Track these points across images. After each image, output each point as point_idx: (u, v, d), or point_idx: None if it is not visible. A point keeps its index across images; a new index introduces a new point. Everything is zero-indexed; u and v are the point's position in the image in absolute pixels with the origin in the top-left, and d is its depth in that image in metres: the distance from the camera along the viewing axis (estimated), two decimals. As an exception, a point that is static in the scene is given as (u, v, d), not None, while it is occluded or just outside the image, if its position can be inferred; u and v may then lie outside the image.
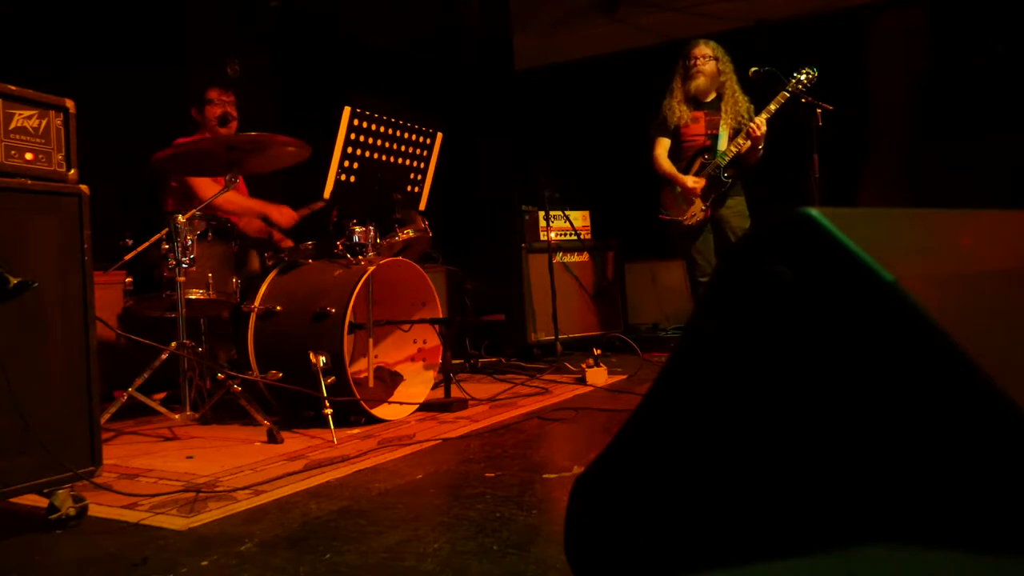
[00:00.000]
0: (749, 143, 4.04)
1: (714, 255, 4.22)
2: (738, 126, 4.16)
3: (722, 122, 4.18)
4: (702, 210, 4.15)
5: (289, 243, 3.62)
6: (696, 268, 4.24)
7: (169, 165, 3.18)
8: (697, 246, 4.22)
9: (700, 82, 4.19)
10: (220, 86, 3.77)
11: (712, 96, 4.26)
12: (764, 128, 4.00)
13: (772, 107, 3.99)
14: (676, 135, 4.27)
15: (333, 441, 2.56)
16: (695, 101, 4.25)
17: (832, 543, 0.65)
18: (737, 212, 4.18)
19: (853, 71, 4.99)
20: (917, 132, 5.01)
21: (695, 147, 4.23)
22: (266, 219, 3.71)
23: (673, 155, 4.28)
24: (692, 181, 4.14)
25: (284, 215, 3.69)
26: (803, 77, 3.92)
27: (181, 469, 2.31)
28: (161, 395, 3.11)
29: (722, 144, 4.15)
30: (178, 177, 3.56)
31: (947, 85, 4.83)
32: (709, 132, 4.21)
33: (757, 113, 4.08)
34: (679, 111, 4.22)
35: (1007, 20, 4.63)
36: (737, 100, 4.20)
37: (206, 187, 3.51)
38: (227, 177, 2.91)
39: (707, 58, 4.20)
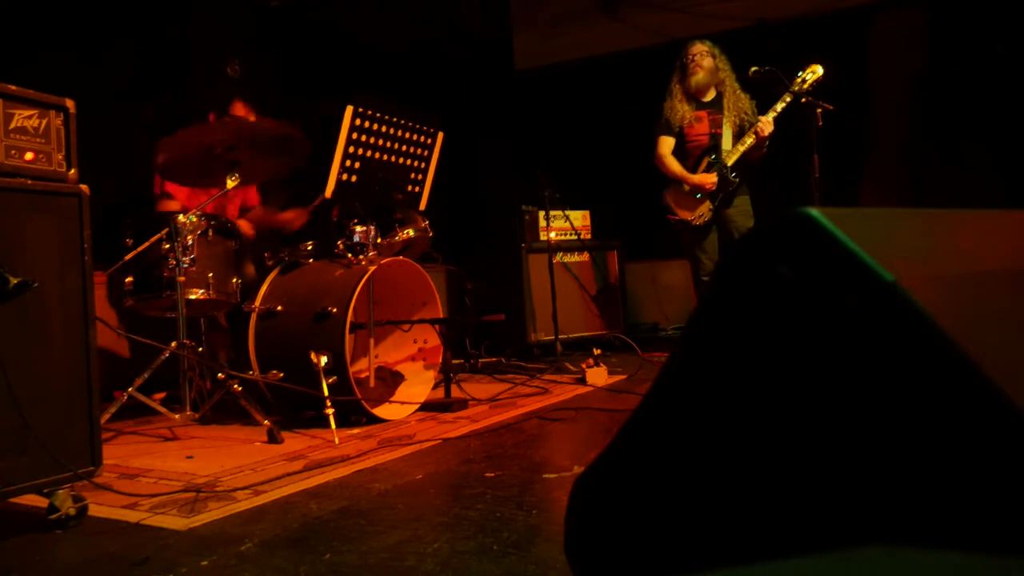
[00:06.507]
0: (754, 142, 4.04)
1: (719, 254, 4.21)
2: (742, 124, 4.15)
3: (725, 121, 4.16)
4: (710, 209, 4.14)
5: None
6: (700, 267, 4.22)
7: (169, 163, 3.15)
8: (703, 245, 4.19)
9: (700, 77, 4.18)
10: (248, 101, 3.63)
11: (712, 95, 4.25)
12: (771, 127, 3.99)
13: (779, 106, 3.97)
14: (680, 136, 4.25)
15: (335, 441, 2.56)
16: (696, 100, 4.24)
17: (832, 543, 0.65)
18: (743, 211, 4.16)
19: (853, 71, 4.99)
20: (917, 132, 5.01)
21: (700, 147, 4.21)
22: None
23: (679, 156, 4.26)
24: (708, 177, 4.09)
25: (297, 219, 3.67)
26: (808, 76, 3.91)
27: (181, 469, 2.31)
28: (161, 395, 3.11)
29: (727, 143, 4.14)
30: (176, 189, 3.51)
31: (947, 85, 4.83)
32: (713, 131, 4.19)
33: (761, 111, 4.08)
34: (681, 110, 4.21)
35: (1007, 20, 4.63)
36: (739, 97, 4.19)
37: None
38: (228, 177, 2.91)
39: (704, 54, 4.20)
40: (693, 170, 4.19)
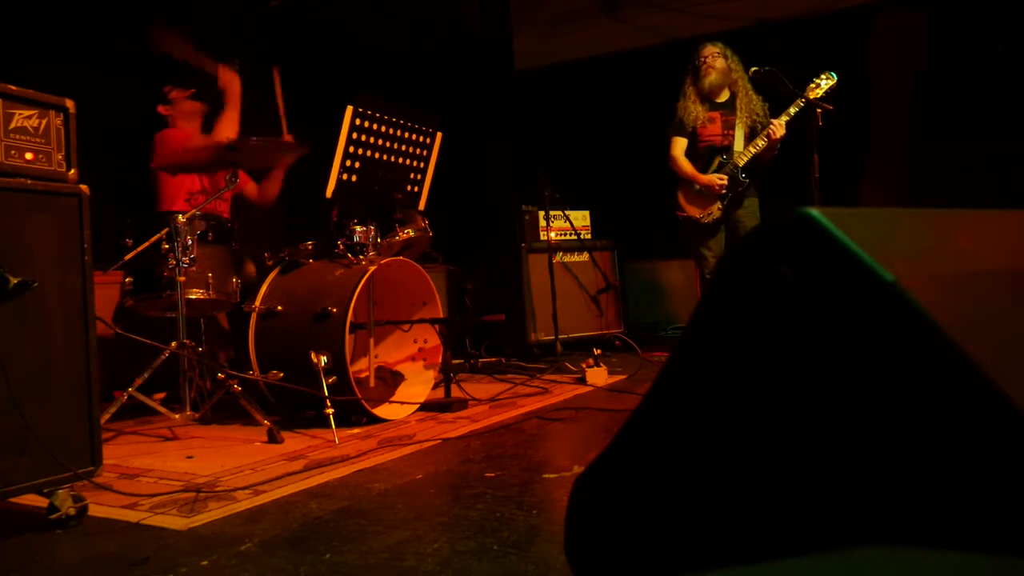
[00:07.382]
0: (766, 144, 4.05)
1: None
2: (754, 125, 4.17)
3: (738, 122, 4.18)
4: (719, 209, 4.15)
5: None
6: (705, 265, 4.23)
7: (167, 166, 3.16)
8: (709, 244, 4.20)
9: (713, 78, 4.19)
10: (179, 86, 3.64)
11: (726, 96, 4.26)
12: (783, 131, 4.01)
13: (792, 110, 3.99)
14: (693, 136, 4.26)
15: (335, 441, 2.56)
16: (710, 101, 4.25)
17: (832, 543, 0.65)
18: (751, 213, 4.18)
19: (853, 71, 4.98)
20: (917, 132, 5.00)
21: (712, 147, 4.22)
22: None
23: (690, 156, 4.27)
24: (717, 178, 4.11)
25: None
26: (823, 83, 3.93)
27: (181, 469, 2.31)
28: (161, 395, 3.11)
29: (738, 144, 4.16)
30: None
31: (947, 85, 4.82)
32: (726, 132, 4.20)
33: (773, 114, 4.09)
34: (695, 111, 4.22)
35: (1007, 20, 4.63)
36: (751, 99, 4.20)
37: (186, 139, 3.46)
38: (227, 176, 2.92)
39: (716, 55, 4.21)
40: (704, 170, 4.20)
